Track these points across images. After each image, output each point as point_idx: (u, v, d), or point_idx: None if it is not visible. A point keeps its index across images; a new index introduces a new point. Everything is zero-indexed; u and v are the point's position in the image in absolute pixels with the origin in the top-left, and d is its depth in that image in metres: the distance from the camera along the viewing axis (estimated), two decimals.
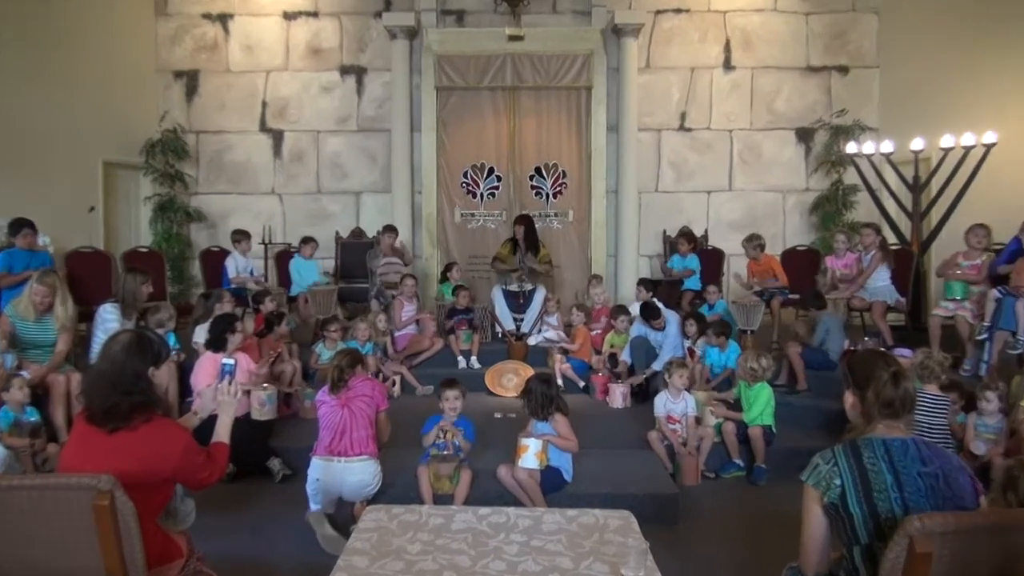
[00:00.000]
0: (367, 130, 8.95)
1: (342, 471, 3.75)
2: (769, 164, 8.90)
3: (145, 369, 2.42)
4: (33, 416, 4.38)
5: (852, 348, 5.59)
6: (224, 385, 2.73)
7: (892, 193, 7.43)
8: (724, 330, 5.66)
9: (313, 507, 3.81)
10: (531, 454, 3.90)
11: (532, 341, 6.63)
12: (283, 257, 8.12)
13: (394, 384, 5.91)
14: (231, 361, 2.83)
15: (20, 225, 5.95)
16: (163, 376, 4.66)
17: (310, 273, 7.45)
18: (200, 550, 2.61)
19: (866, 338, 5.96)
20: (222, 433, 2.66)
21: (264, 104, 8.99)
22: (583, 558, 2.48)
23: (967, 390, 4.53)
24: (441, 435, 4.03)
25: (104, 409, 2.33)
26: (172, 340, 5.26)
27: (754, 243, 6.86)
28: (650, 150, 8.85)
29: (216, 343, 4.75)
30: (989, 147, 6.52)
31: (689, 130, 8.90)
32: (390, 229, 7.50)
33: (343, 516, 3.86)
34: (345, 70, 8.96)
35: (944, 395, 4.20)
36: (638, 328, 6.00)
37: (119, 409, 2.32)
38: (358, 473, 3.76)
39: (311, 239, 7.58)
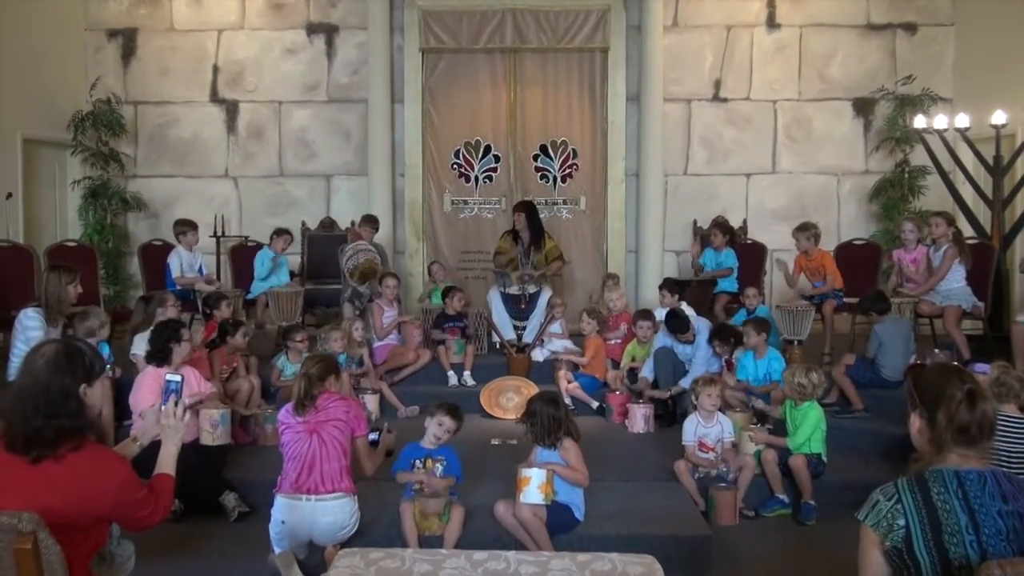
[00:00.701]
0: (339, 101, 8.96)
1: (312, 511, 3.74)
2: (821, 141, 8.90)
3: (75, 387, 2.43)
4: None
5: (919, 362, 5.60)
6: (169, 406, 2.74)
7: (968, 176, 7.44)
8: (763, 327, 5.66)
9: (277, 550, 3.82)
10: (534, 487, 3.89)
11: (538, 356, 6.64)
12: (238, 253, 8.12)
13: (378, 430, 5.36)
14: (177, 377, 2.84)
15: None
16: (96, 395, 4.60)
17: (280, 272, 7.45)
18: None
19: (936, 350, 5.96)
20: (166, 463, 2.67)
21: (215, 69, 9.00)
22: None
23: None
24: (420, 466, 4.04)
25: (26, 435, 2.34)
26: (106, 352, 5.26)
27: (808, 233, 6.83)
28: (678, 125, 8.86)
29: (158, 355, 4.76)
30: None
31: (725, 101, 8.91)
32: (370, 220, 7.42)
33: (312, 561, 3.85)
34: (313, 28, 8.96)
35: None
36: (663, 338, 6.00)
37: (44, 435, 2.33)
38: (332, 513, 3.75)
39: (285, 231, 7.56)
